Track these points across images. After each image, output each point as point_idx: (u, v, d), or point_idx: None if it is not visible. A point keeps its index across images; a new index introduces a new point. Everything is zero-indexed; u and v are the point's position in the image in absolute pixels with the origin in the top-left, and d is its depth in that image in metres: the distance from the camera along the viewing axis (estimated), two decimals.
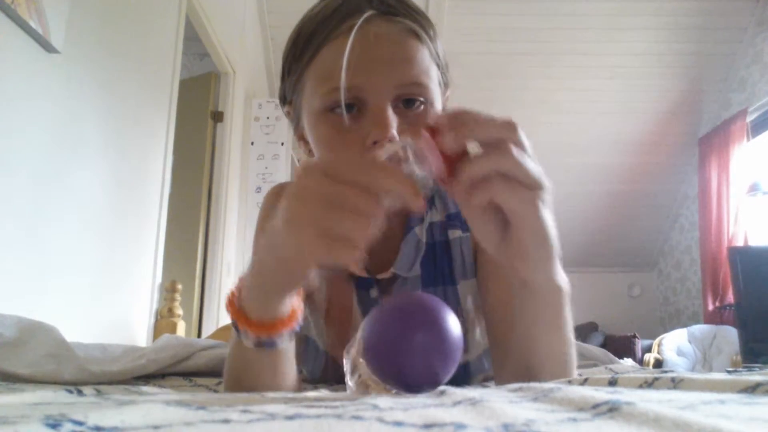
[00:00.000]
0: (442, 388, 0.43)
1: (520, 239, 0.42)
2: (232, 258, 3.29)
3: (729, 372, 0.78)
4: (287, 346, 0.48)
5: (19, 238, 1.40)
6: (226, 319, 3.04)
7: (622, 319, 5.44)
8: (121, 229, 1.95)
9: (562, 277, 0.48)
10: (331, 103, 0.56)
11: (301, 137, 0.66)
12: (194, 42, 2.98)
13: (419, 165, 0.42)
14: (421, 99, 0.57)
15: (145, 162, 2.16)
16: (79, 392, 0.39)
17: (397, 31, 0.57)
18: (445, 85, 0.66)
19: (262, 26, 3.89)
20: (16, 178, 1.39)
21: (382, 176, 0.37)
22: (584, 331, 4.94)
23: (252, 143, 3.53)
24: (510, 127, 0.40)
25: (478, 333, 0.73)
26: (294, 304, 0.46)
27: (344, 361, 0.49)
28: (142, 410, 0.25)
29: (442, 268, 0.69)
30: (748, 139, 4.02)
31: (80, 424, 0.21)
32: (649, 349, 3.92)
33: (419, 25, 0.59)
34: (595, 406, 0.26)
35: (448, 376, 0.42)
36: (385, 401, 0.31)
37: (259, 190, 3.48)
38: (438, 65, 0.62)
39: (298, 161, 4.16)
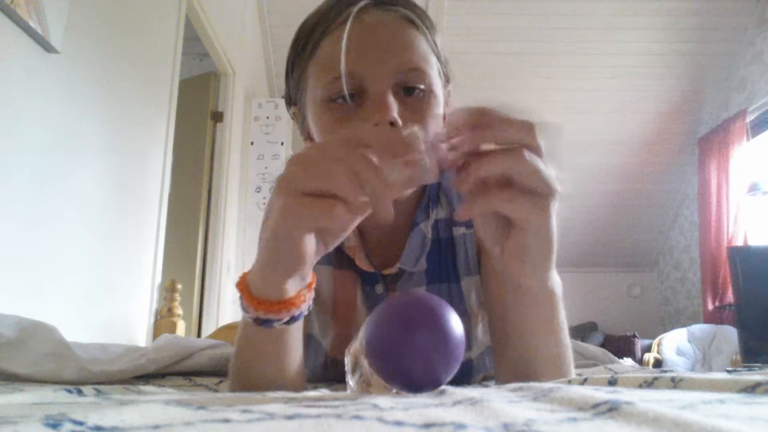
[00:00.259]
0: (442, 387, 0.43)
1: (522, 244, 0.42)
2: (231, 258, 3.29)
3: (729, 372, 0.78)
4: (289, 331, 0.48)
5: (18, 237, 1.40)
6: (226, 319, 3.04)
7: (622, 318, 5.44)
8: (120, 228, 1.95)
9: (556, 281, 0.48)
10: (333, 93, 0.57)
11: (308, 137, 0.67)
12: (194, 42, 2.98)
13: (426, 152, 0.41)
14: (421, 86, 0.58)
15: (144, 162, 2.16)
16: (79, 392, 0.39)
17: (394, 19, 0.59)
18: (447, 79, 0.66)
19: (262, 26, 3.89)
20: (15, 178, 1.39)
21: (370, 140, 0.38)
22: (584, 331, 4.94)
23: (252, 143, 3.53)
24: (527, 128, 0.39)
25: (481, 330, 0.73)
26: (300, 290, 0.46)
27: (345, 360, 0.49)
28: (142, 410, 0.25)
29: (446, 265, 0.69)
30: (748, 139, 4.02)
31: (80, 423, 0.21)
32: (648, 349, 3.92)
33: (415, 14, 0.60)
34: (595, 405, 0.26)
35: (450, 376, 0.42)
36: (385, 401, 0.31)
37: (258, 190, 3.48)
38: (437, 56, 0.62)
39: None
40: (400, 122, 0.55)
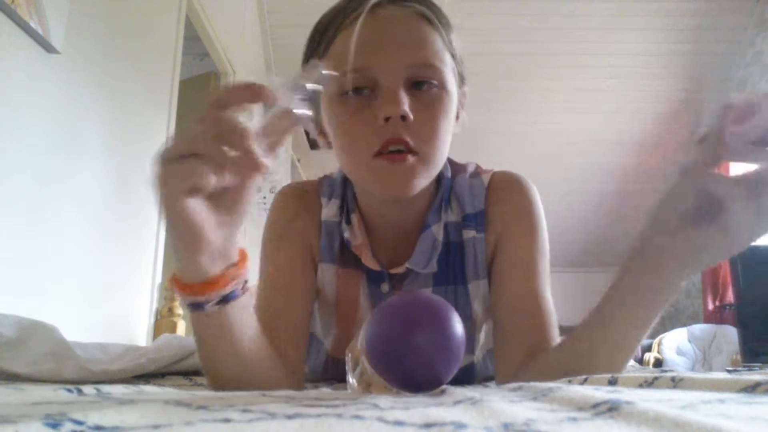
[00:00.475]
0: (442, 387, 0.43)
1: (724, 240, 0.42)
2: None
3: (729, 371, 0.78)
4: (229, 315, 0.47)
5: (19, 237, 1.40)
6: None
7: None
8: (120, 228, 1.95)
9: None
10: (346, 86, 0.58)
11: (320, 132, 0.67)
12: (194, 42, 2.98)
13: (304, 103, 0.40)
14: (434, 82, 0.58)
15: (144, 162, 2.16)
16: (79, 391, 0.39)
17: (408, 15, 0.59)
18: (462, 79, 0.66)
19: (262, 26, 3.89)
20: (16, 178, 1.39)
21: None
22: None
23: None
24: None
25: (484, 334, 0.73)
26: (225, 268, 0.45)
27: (346, 359, 0.49)
28: (142, 410, 0.25)
29: (454, 267, 0.69)
30: None
31: (80, 423, 0.21)
32: (648, 349, 3.92)
33: (431, 11, 0.61)
34: (595, 405, 0.26)
35: (450, 376, 0.42)
36: (385, 400, 0.31)
37: (258, 189, 3.47)
38: (452, 55, 0.63)
39: (299, 161, 4.16)
40: (411, 116, 0.55)
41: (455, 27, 0.65)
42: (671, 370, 0.50)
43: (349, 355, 0.48)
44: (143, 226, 2.15)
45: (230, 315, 0.47)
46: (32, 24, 1.37)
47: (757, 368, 2.16)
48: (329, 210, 0.71)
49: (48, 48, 1.48)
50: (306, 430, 0.22)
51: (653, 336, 4.00)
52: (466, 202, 0.70)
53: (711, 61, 4.15)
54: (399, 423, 0.23)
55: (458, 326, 0.42)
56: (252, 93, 0.38)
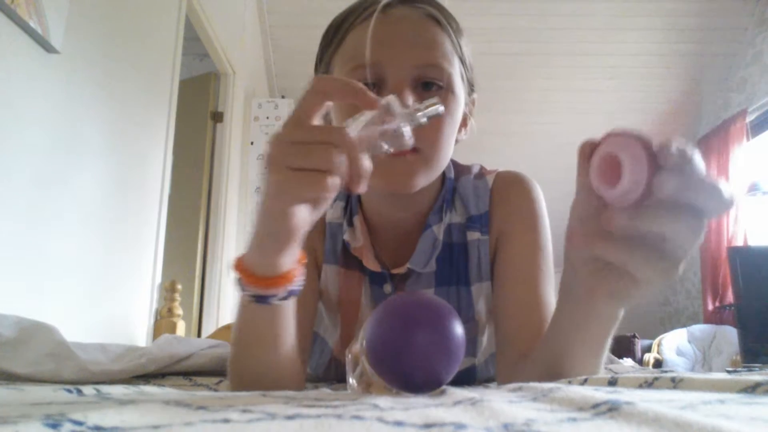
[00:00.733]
0: (442, 387, 0.43)
1: (630, 293, 0.38)
2: (231, 258, 3.28)
3: (729, 372, 0.78)
4: (285, 309, 0.49)
5: (19, 238, 1.40)
6: (226, 319, 3.04)
7: (622, 318, 5.43)
8: (120, 229, 1.95)
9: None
10: (356, 80, 0.57)
11: None
12: (194, 42, 2.98)
13: (405, 122, 0.42)
14: (440, 83, 0.59)
15: (144, 162, 2.16)
16: (79, 392, 0.39)
17: (419, 16, 0.60)
18: (471, 86, 0.67)
19: (262, 26, 3.89)
20: (15, 178, 1.39)
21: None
22: None
23: (252, 143, 3.53)
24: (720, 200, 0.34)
25: (487, 337, 0.73)
26: (293, 265, 0.47)
27: (346, 359, 0.49)
28: (141, 410, 0.25)
29: (457, 269, 0.69)
30: (748, 140, 4.02)
31: (80, 423, 0.21)
32: (648, 349, 3.92)
33: (442, 14, 0.62)
34: (595, 405, 0.26)
35: (450, 377, 0.42)
36: (385, 401, 0.31)
37: (258, 190, 3.48)
38: (461, 60, 0.64)
39: None
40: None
41: (465, 33, 0.66)
42: (671, 371, 0.50)
43: (349, 355, 0.48)
44: (143, 226, 2.15)
45: (285, 310, 0.49)
46: (32, 24, 1.37)
47: (756, 369, 2.16)
48: (333, 211, 0.71)
49: (48, 48, 1.48)
50: (306, 430, 0.22)
51: (653, 337, 4.00)
52: (471, 204, 0.70)
53: (711, 61, 4.15)
54: (399, 423, 0.23)
55: (458, 327, 0.42)
56: (364, 100, 0.40)
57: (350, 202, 0.71)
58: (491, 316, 0.70)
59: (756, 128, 4.06)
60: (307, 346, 0.68)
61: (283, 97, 3.93)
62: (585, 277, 0.41)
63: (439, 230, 0.68)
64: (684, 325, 4.00)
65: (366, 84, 0.58)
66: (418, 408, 0.28)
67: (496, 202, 0.70)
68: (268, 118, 3.57)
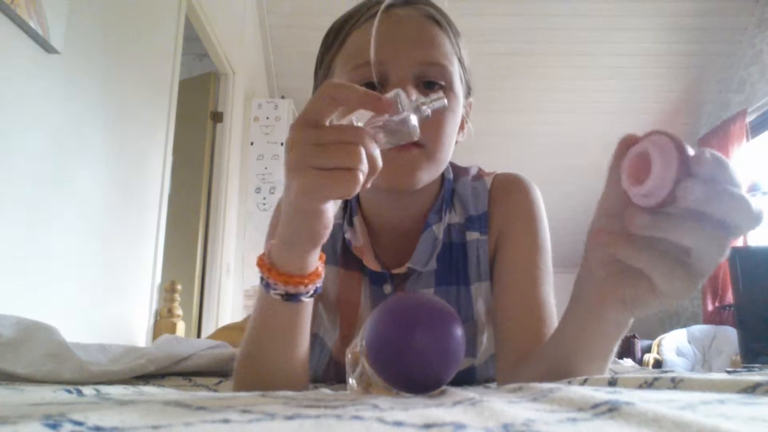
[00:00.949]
0: (442, 387, 0.43)
1: (646, 303, 0.37)
2: (231, 258, 3.29)
3: (729, 372, 0.78)
4: (307, 308, 0.51)
5: (18, 238, 1.40)
6: (225, 320, 3.04)
7: None
8: (120, 229, 1.95)
9: None
10: (357, 80, 0.59)
11: None
12: (194, 42, 2.98)
13: (412, 114, 0.43)
14: (441, 82, 0.60)
15: (144, 162, 2.16)
16: (79, 392, 0.39)
17: (420, 16, 0.62)
18: (468, 88, 0.68)
19: (262, 26, 3.89)
20: (15, 178, 1.39)
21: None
22: None
23: (251, 143, 3.53)
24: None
25: (486, 338, 0.73)
26: (318, 262, 0.49)
27: (346, 360, 0.49)
28: (141, 410, 0.25)
29: (457, 269, 0.69)
30: (748, 140, 4.02)
31: (80, 424, 0.21)
32: (648, 350, 3.92)
33: (443, 17, 0.64)
34: (595, 406, 0.26)
35: (450, 377, 0.42)
36: (384, 401, 0.31)
37: (258, 190, 3.48)
38: (460, 62, 0.65)
39: None
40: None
41: (463, 36, 0.67)
42: (671, 371, 0.50)
43: (349, 355, 0.48)
44: (143, 226, 2.15)
45: (308, 307, 0.51)
46: (32, 24, 1.37)
47: (756, 369, 2.16)
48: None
49: (48, 48, 1.48)
50: (305, 430, 0.22)
51: (653, 337, 4.00)
52: (470, 205, 0.70)
53: (711, 61, 4.15)
54: (398, 423, 0.23)
55: (458, 327, 0.42)
56: (377, 106, 0.40)
57: (350, 202, 0.71)
58: (491, 317, 0.71)
59: (756, 128, 4.06)
60: (308, 347, 0.68)
61: (282, 97, 3.93)
62: (600, 279, 0.40)
63: (438, 230, 0.68)
64: (684, 326, 4.00)
65: (369, 83, 0.59)
66: (417, 408, 0.28)
67: (495, 202, 0.70)
68: (267, 118, 3.57)
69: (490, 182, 0.72)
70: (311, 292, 0.49)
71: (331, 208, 0.44)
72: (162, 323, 2.16)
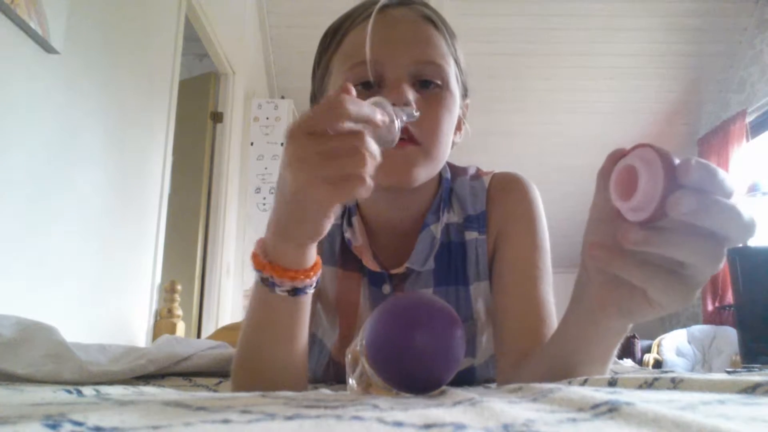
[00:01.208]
0: (442, 388, 0.43)
1: (642, 313, 0.37)
2: (231, 258, 3.29)
3: (729, 372, 0.78)
4: (308, 300, 0.51)
5: (18, 238, 1.40)
6: (225, 320, 3.04)
7: None
8: (120, 229, 1.95)
9: None
10: (354, 79, 0.60)
11: None
12: (194, 42, 2.98)
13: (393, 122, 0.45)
14: (437, 81, 0.61)
15: (144, 162, 2.16)
16: (79, 392, 0.39)
17: (416, 16, 0.62)
18: (464, 89, 0.68)
19: (262, 26, 3.89)
20: (15, 178, 1.39)
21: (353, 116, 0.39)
22: None
23: (251, 144, 3.53)
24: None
25: (486, 338, 0.73)
26: (316, 254, 0.49)
27: (346, 360, 0.49)
28: (141, 410, 0.25)
29: (455, 268, 0.69)
30: (748, 140, 4.02)
31: (80, 424, 0.21)
32: (648, 350, 3.92)
33: (438, 18, 0.64)
34: (595, 406, 0.26)
35: (450, 377, 0.42)
36: (384, 401, 0.31)
37: (258, 190, 3.48)
38: (456, 62, 0.65)
39: None
40: (414, 105, 0.56)
41: (461, 37, 0.67)
42: (671, 371, 0.50)
43: (349, 356, 0.48)
44: (143, 226, 2.15)
45: (308, 302, 0.51)
46: (32, 24, 1.37)
47: (756, 369, 2.16)
48: None
49: (48, 48, 1.48)
50: (305, 430, 0.22)
51: (653, 337, 4.01)
52: (468, 204, 0.71)
53: (711, 61, 4.15)
54: (398, 424, 0.23)
55: (458, 327, 0.42)
56: (372, 121, 0.41)
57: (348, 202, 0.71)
58: (490, 317, 0.71)
59: (756, 128, 4.06)
60: (307, 343, 0.68)
61: (282, 97, 3.93)
62: (597, 287, 0.40)
63: (436, 229, 0.68)
64: (684, 326, 4.00)
65: (366, 82, 0.59)
66: (417, 408, 0.28)
67: (493, 202, 0.70)
68: (267, 118, 3.57)
69: (488, 181, 0.72)
70: (315, 283, 0.49)
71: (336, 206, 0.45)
72: (162, 323, 2.16)
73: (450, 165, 0.75)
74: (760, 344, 2.61)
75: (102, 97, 1.81)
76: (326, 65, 0.66)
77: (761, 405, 0.27)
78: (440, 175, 0.72)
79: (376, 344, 0.42)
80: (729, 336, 3.57)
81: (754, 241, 3.92)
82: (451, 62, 0.63)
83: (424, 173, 0.61)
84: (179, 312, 2.21)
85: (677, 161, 0.32)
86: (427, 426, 0.23)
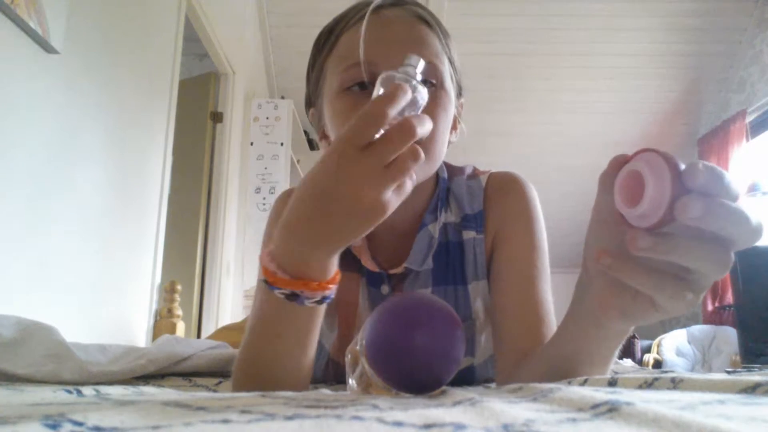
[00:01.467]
0: (442, 388, 0.43)
1: (646, 316, 0.37)
2: (231, 258, 3.29)
3: (729, 372, 0.78)
4: (322, 307, 0.50)
5: (18, 238, 1.40)
6: (225, 320, 3.04)
7: None
8: (120, 229, 1.95)
9: None
10: (348, 80, 0.60)
11: (323, 137, 0.68)
12: (194, 42, 2.98)
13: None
14: (432, 81, 0.61)
15: (144, 162, 2.16)
16: (79, 392, 0.39)
17: (409, 16, 0.62)
18: (459, 88, 0.69)
19: (262, 26, 3.89)
20: (15, 178, 1.39)
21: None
22: None
23: (251, 144, 3.53)
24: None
25: (485, 338, 0.73)
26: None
27: (346, 360, 0.49)
28: (141, 410, 0.25)
29: (454, 268, 0.69)
30: (747, 140, 4.02)
31: (80, 424, 0.21)
32: (648, 350, 3.92)
33: (432, 18, 0.64)
34: (595, 406, 0.26)
35: (450, 377, 0.42)
36: (384, 401, 0.31)
37: (258, 190, 3.48)
38: (450, 61, 0.65)
39: (298, 162, 4.16)
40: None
41: (453, 38, 0.68)
42: (671, 371, 0.50)
43: (349, 356, 0.48)
44: (143, 226, 2.15)
45: (323, 309, 0.50)
46: (31, 24, 1.37)
47: (756, 369, 2.16)
48: None
49: (47, 48, 1.48)
50: (305, 430, 0.22)
51: (653, 337, 4.01)
52: (465, 204, 0.71)
53: (711, 61, 4.15)
54: (398, 424, 0.23)
55: (457, 327, 0.42)
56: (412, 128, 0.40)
57: None
58: (489, 316, 0.71)
59: (756, 128, 4.06)
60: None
61: (282, 97, 3.93)
62: (599, 290, 0.39)
63: (434, 229, 0.68)
64: (683, 326, 4.00)
65: (361, 82, 0.59)
66: (417, 408, 0.28)
67: (491, 201, 0.70)
68: (267, 118, 3.57)
69: (485, 181, 0.72)
70: (332, 294, 0.47)
71: None
72: (162, 323, 2.16)
73: (447, 164, 0.75)
74: (760, 344, 2.61)
75: (102, 97, 1.81)
76: (321, 67, 0.66)
77: (761, 405, 0.27)
78: (437, 174, 0.72)
79: (376, 344, 0.42)
80: (729, 336, 3.57)
81: None
82: (446, 61, 0.63)
83: (421, 173, 0.61)
84: (179, 312, 2.21)
85: (683, 166, 0.31)
86: (427, 426, 0.23)
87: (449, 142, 0.67)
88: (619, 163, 0.37)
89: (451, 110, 0.64)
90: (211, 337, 1.57)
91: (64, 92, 1.60)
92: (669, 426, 0.21)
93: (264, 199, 3.47)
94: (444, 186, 0.71)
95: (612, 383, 0.40)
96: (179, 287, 2.23)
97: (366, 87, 0.59)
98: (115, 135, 1.90)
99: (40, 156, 1.49)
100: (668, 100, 4.40)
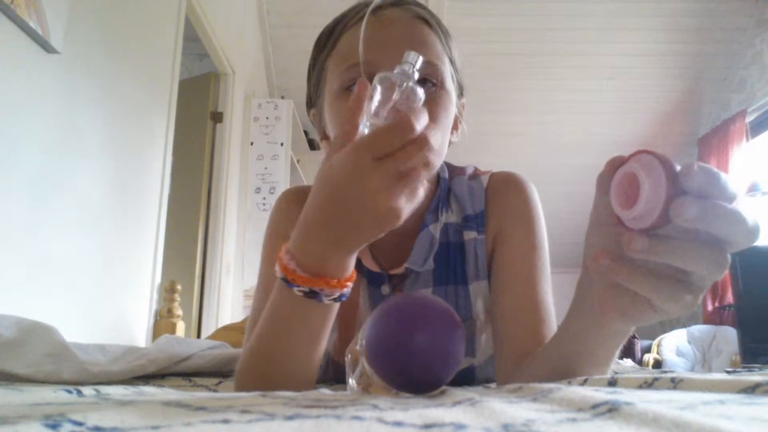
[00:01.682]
0: (442, 387, 0.43)
1: (645, 317, 0.37)
2: (231, 258, 3.29)
3: (729, 372, 0.78)
4: (336, 305, 0.50)
5: (18, 238, 1.40)
6: (225, 320, 3.04)
7: None
8: (120, 229, 1.95)
9: None
10: (349, 80, 0.60)
11: (324, 137, 0.68)
12: (194, 42, 2.98)
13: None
14: (433, 81, 0.61)
15: (144, 162, 2.16)
16: (79, 392, 0.39)
17: (410, 17, 0.62)
18: (460, 88, 0.69)
19: (262, 26, 3.89)
20: (15, 178, 1.39)
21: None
22: None
23: (251, 143, 3.53)
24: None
25: (486, 338, 0.73)
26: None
27: (346, 360, 0.49)
28: (141, 410, 0.25)
29: (454, 268, 0.69)
30: (747, 140, 4.02)
31: (80, 424, 0.21)
32: (648, 350, 3.92)
33: (432, 18, 0.64)
34: (595, 406, 0.26)
35: (450, 377, 0.42)
36: (384, 401, 0.31)
37: (258, 190, 3.48)
38: (451, 61, 0.65)
39: (298, 161, 4.16)
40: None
41: (459, 38, 0.68)
42: (671, 371, 0.50)
43: (349, 356, 0.48)
44: (143, 226, 2.15)
45: (337, 306, 0.50)
46: (31, 24, 1.37)
47: (756, 369, 2.16)
48: None
49: (47, 48, 1.48)
50: (305, 430, 0.22)
51: (653, 337, 4.01)
52: (466, 204, 0.71)
53: (711, 61, 4.15)
54: (398, 424, 0.23)
55: (458, 327, 0.42)
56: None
57: None
58: (489, 317, 0.71)
59: (756, 128, 4.06)
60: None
61: (282, 97, 3.93)
62: (600, 291, 0.40)
63: (435, 229, 0.68)
64: (683, 326, 4.00)
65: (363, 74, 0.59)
66: (417, 408, 0.28)
67: (492, 201, 0.70)
68: (267, 118, 3.57)
69: (486, 181, 0.72)
70: (348, 291, 0.48)
71: None
72: (162, 323, 2.16)
73: (448, 165, 0.75)
74: (760, 344, 2.61)
75: (102, 97, 1.81)
76: (321, 67, 0.66)
77: (761, 405, 0.27)
78: (438, 175, 0.72)
79: (376, 344, 0.42)
80: (729, 336, 3.57)
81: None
82: (446, 61, 0.63)
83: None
84: (179, 312, 2.20)
85: (678, 167, 0.31)
86: (427, 426, 0.23)
87: (450, 143, 0.67)
88: (616, 164, 0.37)
89: (452, 110, 0.64)
90: (211, 337, 1.57)
91: (64, 92, 1.60)
92: (669, 426, 0.21)
93: (264, 199, 3.47)
94: (445, 186, 0.71)
95: (612, 383, 0.40)
96: (179, 287, 2.23)
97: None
98: (115, 135, 1.90)
99: (40, 156, 1.49)
100: (668, 100, 4.40)
